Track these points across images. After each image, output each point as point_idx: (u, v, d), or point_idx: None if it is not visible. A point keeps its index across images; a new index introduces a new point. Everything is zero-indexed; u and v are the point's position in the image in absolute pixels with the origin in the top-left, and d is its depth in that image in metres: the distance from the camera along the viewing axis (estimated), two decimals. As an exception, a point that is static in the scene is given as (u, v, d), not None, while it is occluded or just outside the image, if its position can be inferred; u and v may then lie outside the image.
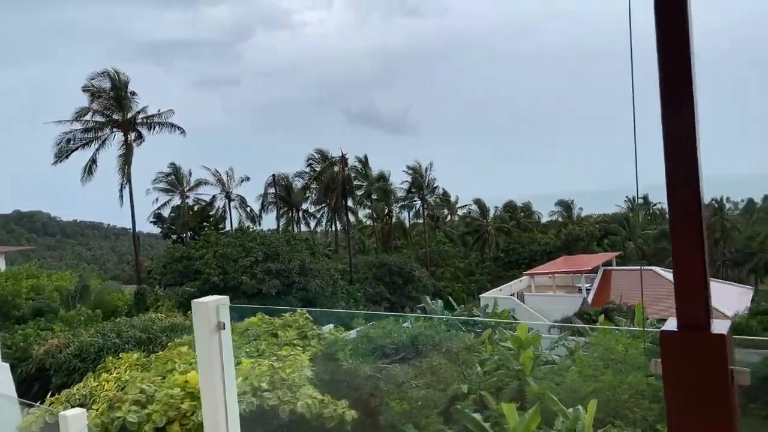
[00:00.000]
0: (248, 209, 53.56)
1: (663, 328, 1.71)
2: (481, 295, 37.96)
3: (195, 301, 3.59)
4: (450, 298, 30.71)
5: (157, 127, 40.69)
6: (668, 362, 1.68)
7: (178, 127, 41.30)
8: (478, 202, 63.84)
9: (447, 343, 10.72)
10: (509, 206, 66.74)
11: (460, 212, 68.33)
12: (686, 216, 1.65)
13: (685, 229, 1.65)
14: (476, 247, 60.36)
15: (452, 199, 65.70)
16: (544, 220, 70.60)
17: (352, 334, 11.86)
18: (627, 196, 74.69)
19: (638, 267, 39.02)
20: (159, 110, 41.11)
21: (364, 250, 57.80)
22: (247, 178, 52.64)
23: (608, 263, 40.18)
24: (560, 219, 66.33)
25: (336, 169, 49.60)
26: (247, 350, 10.75)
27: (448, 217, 68.36)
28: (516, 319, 29.24)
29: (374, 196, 55.21)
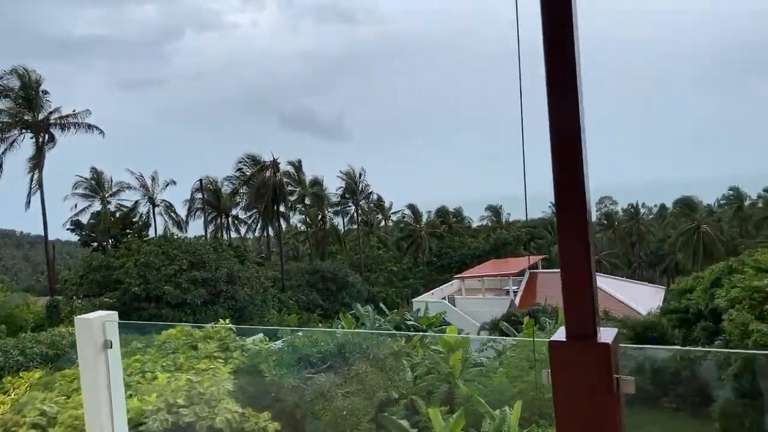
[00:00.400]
0: (174, 215, 51.48)
1: (551, 338, 1.71)
2: (413, 300, 38.32)
3: (78, 318, 3.27)
4: (381, 305, 30.75)
5: (72, 128, 38.33)
6: (556, 372, 1.67)
7: (97, 128, 39.12)
8: (411, 207, 64.64)
9: (374, 350, 10.61)
10: (442, 211, 68.00)
11: (394, 218, 68.93)
12: (573, 226, 1.65)
13: (572, 240, 1.66)
14: (410, 252, 61.02)
15: (386, 204, 66.17)
16: (474, 224, 72.48)
17: (278, 344, 11.53)
18: (551, 201, 78.01)
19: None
20: (74, 110, 38.76)
21: (298, 257, 56.98)
22: (173, 182, 50.57)
23: (534, 266, 41.68)
24: (489, 224, 68.31)
25: (268, 173, 48.64)
26: (164, 364, 10.20)
27: (383, 223, 68.75)
28: (447, 323, 29.62)
29: (308, 202, 54.60)
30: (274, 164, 49.31)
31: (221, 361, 10.90)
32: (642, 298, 31.42)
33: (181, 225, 51.67)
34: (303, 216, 55.95)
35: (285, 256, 53.04)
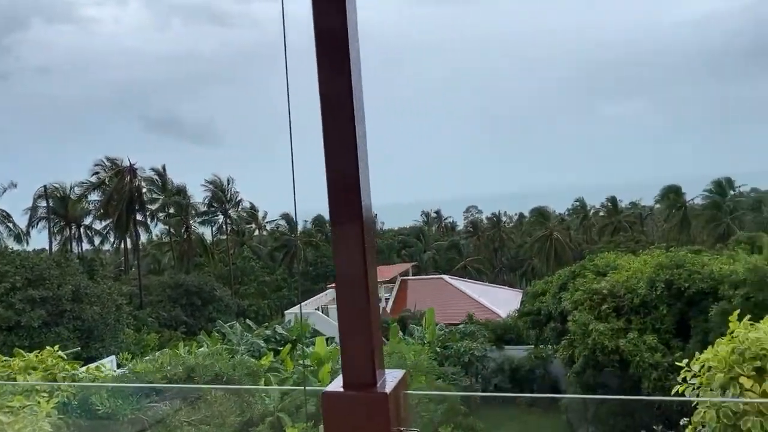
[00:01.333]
0: (12, 226, 45.37)
1: (326, 388, 1.51)
2: (286, 311, 37.37)
3: None
4: (249, 320, 29.54)
5: None
6: (331, 424, 1.45)
7: None
8: (286, 216, 63.34)
9: (228, 372, 9.86)
10: (318, 220, 67.51)
11: (268, 227, 67.05)
12: (349, 272, 1.52)
13: (348, 284, 1.52)
14: (285, 262, 59.69)
15: (260, 213, 64.19)
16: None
17: (118, 371, 10.30)
18: (423, 210, 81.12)
19: (430, 276, 42.21)
20: None
21: (160, 270, 53.04)
22: (14, 185, 44.33)
23: (405, 273, 42.75)
24: (364, 232, 69.13)
25: (125, 179, 44.77)
26: (-35, 406, 8.60)
27: (256, 232, 66.56)
28: (317, 333, 29.20)
29: (172, 211, 51.08)
30: (131, 169, 45.51)
31: (45, 394, 9.48)
32: (501, 301, 33.47)
33: (21, 237, 45.69)
34: (166, 226, 52.25)
35: (146, 270, 49.12)
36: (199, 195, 53.61)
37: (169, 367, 9.81)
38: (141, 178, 46.95)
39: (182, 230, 52.14)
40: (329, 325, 34.13)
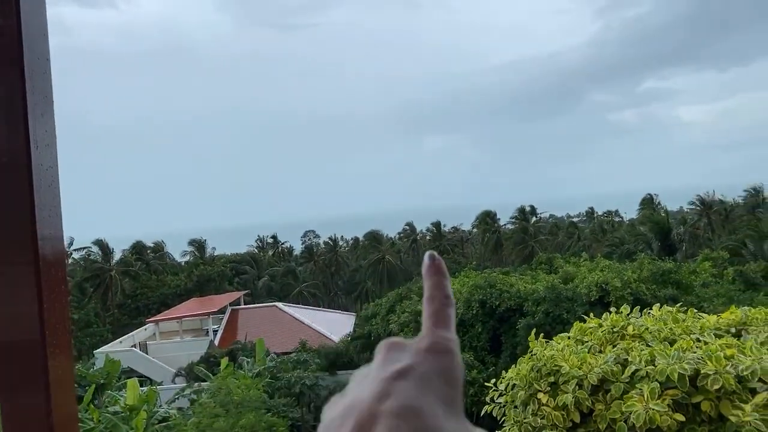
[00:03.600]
0: None
1: None
2: (96, 351, 33.05)
3: None
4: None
5: None
6: None
7: None
8: (99, 243, 56.79)
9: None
10: (138, 247, 61.63)
11: (76, 255, 59.40)
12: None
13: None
14: (97, 295, 53.26)
15: (65, 240, 56.67)
16: (178, 259, 67.90)
17: None
18: (258, 235, 78.95)
19: (263, 305, 40.81)
20: None
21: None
22: None
23: (236, 302, 40.80)
24: (192, 259, 64.82)
25: None
26: None
27: (62, 261, 58.54)
28: (134, 374, 26.31)
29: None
30: None
31: None
32: (336, 325, 33.49)
33: None
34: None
35: None
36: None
37: None
38: None
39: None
40: (149, 364, 31.01)
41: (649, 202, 63.63)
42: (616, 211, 75.68)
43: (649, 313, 5.95)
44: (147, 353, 32.26)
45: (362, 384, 0.44)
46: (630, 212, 70.74)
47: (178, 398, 22.56)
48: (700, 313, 5.87)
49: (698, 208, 52.85)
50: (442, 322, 0.48)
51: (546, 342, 6.20)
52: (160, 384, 26.45)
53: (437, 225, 66.67)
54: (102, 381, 20.72)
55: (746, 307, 5.69)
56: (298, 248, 79.29)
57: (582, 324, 6.22)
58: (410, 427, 0.38)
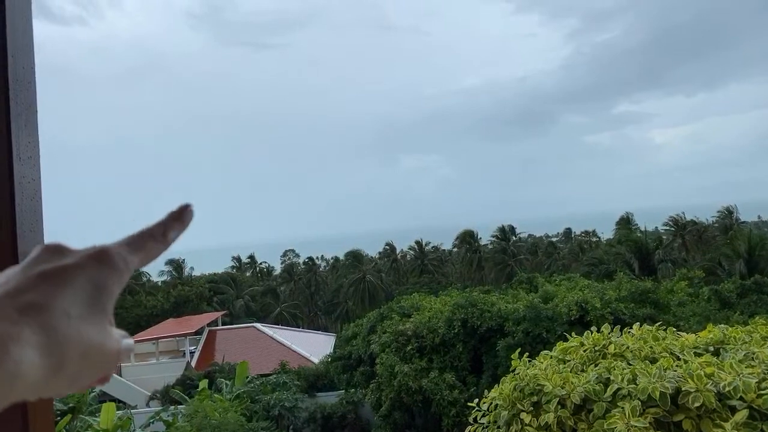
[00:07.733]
0: None
1: None
2: (68, 374, 32.07)
3: None
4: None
5: None
6: None
7: None
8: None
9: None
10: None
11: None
12: None
13: None
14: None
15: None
16: (155, 279, 66.71)
17: None
18: (232, 256, 78.06)
19: (241, 325, 40.18)
20: None
21: None
22: None
23: (214, 323, 40.10)
24: (170, 279, 63.74)
25: None
26: None
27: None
28: (108, 398, 25.54)
29: None
30: None
31: None
32: (316, 347, 33.08)
33: None
34: None
35: None
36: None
37: None
38: None
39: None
40: (123, 387, 30.19)
41: (625, 222, 64.67)
42: (594, 231, 76.69)
43: (629, 332, 6.00)
44: (120, 375, 31.39)
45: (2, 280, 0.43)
46: (607, 232, 71.81)
47: (153, 422, 21.91)
48: (679, 332, 5.94)
49: (672, 229, 53.94)
50: (128, 240, 0.47)
51: (529, 361, 6.20)
52: (134, 407, 25.72)
53: (419, 243, 66.71)
54: (72, 405, 20.05)
55: (723, 326, 5.77)
56: (278, 268, 78.54)
57: (564, 343, 6.23)
58: (36, 324, 0.38)
